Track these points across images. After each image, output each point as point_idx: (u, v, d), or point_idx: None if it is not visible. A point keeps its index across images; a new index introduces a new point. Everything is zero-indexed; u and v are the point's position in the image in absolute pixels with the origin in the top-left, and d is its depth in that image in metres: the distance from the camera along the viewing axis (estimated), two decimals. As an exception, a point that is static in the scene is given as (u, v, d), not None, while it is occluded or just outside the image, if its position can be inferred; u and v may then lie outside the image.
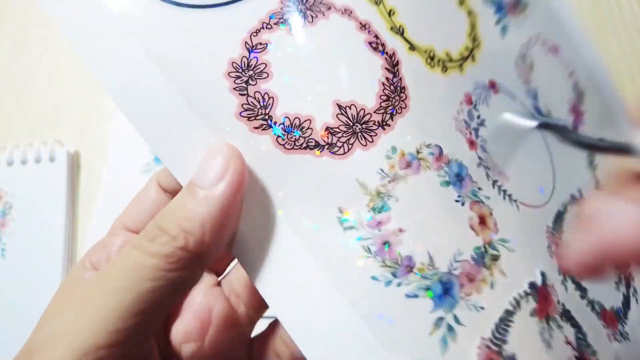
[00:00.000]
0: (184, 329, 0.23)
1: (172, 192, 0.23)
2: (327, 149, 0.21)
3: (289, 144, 0.20)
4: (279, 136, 0.20)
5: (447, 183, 0.23)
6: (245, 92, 0.20)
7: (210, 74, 0.21)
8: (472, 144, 0.24)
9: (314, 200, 0.21)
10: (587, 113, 0.32)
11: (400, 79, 0.22)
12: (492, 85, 0.26)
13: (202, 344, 0.23)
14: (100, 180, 0.47)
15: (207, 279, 0.25)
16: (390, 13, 0.23)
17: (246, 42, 0.21)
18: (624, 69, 0.45)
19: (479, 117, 0.24)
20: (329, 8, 0.21)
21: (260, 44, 0.21)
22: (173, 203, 0.19)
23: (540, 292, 0.23)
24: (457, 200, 0.23)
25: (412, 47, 0.23)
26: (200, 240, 0.18)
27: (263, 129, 0.20)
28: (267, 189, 0.21)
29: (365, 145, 0.21)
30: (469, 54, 0.25)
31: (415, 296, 0.20)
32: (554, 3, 0.34)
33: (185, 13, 0.21)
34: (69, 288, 0.21)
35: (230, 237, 0.20)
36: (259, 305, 0.25)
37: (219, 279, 0.26)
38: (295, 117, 0.20)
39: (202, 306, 0.24)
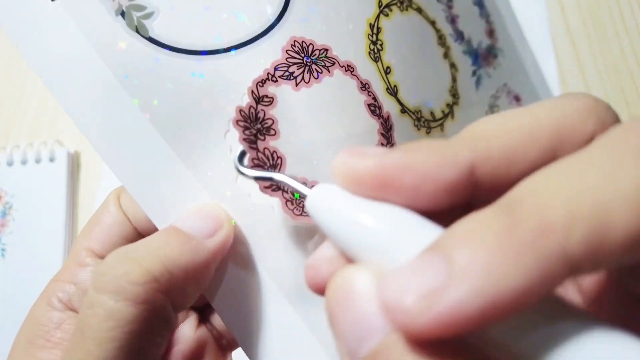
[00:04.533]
0: None
1: (134, 217, 0.21)
2: None
3: (297, 209, 0.19)
4: (287, 200, 0.19)
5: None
6: (255, 145, 0.19)
7: (208, 122, 0.19)
8: None
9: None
10: None
11: (392, 145, 0.21)
12: None
13: None
14: (100, 180, 0.47)
15: (192, 319, 0.24)
16: (387, 71, 0.22)
17: (253, 92, 0.19)
18: (624, 68, 0.45)
19: None
20: (333, 64, 0.20)
21: (267, 96, 0.19)
22: (154, 242, 0.18)
23: None
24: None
25: (403, 110, 0.22)
26: (181, 286, 0.18)
27: (273, 190, 0.19)
28: (266, 252, 0.20)
29: None
30: (449, 111, 0.24)
31: None
32: (523, 55, 0.34)
33: (180, 59, 0.19)
34: (35, 331, 0.20)
35: (209, 290, 0.19)
36: None
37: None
38: (303, 182, 0.19)
39: (190, 345, 0.23)
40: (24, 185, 0.47)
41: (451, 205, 0.13)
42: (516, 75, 0.32)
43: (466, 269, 0.10)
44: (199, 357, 0.23)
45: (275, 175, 0.17)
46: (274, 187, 0.19)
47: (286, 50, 0.20)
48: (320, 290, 0.13)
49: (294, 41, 0.20)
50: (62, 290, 0.20)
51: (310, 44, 0.20)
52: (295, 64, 0.20)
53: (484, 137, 0.13)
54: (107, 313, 0.16)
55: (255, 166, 0.19)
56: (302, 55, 0.20)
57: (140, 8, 0.19)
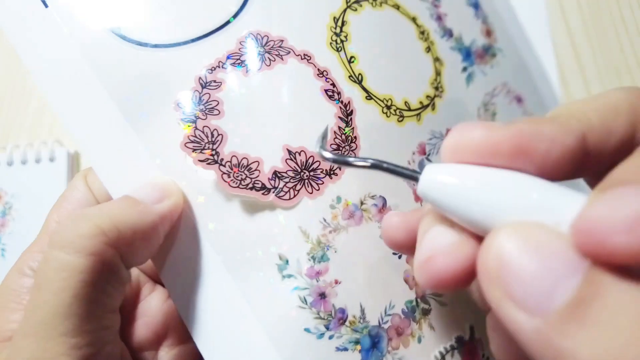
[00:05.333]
0: (138, 339, 0.23)
1: (98, 194, 0.23)
2: (273, 192, 0.21)
3: (234, 182, 0.20)
4: (224, 173, 0.20)
5: None
6: (193, 125, 0.21)
7: (160, 105, 0.21)
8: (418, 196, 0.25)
9: (254, 242, 0.21)
10: None
11: (353, 128, 0.22)
12: None
13: (156, 354, 0.24)
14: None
15: (160, 292, 0.25)
16: (350, 60, 0.23)
17: (200, 78, 0.21)
18: (624, 68, 0.45)
19: None
20: (289, 52, 0.22)
21: (215, 81, 0.21)
22: (107, 205, 0.20)
23: (466, 347, 0.23)
24: (394, 253, 0.22)
25: (369, 96, 0.23)
26: (129, 242, 0.19)
27: (208, 163, 0.20)
28: (204, 221, 0.21)
29: (312, 193, 0.21)
30: (430, 103, 0.25)
31: (345, 349, 0.20)
32: (525, 56, 0.35)
33: (143, 51, 0.21)
34: (7, 297, 0.21)
35: (157, 257, 0.21)
36: None
37: None
38: (244, 157, 0.21)
39: (156, 318, 0.24)
40: (24, 185, 0.47)
41: (562, 177, 0.14)
42: (518, 76, 0.33)
43: None
44: (164, 329, 0.24)
45: (367, 162, 0.17)
46: (209, 160, 0.21)
47: (240, 42, 0.21)
48: (456, 277, 0.13)
49: (249, 33, 0.22)
50: (32, 259, 0.22)
51: (265, 35, 0.22)
52: (248, 52, 0.21)
53: (582, 112, 0.14)
54: (61, 265, 0.18)
55: (190, 142, 0.21)
56: (256, 45, 0.22)
57: None
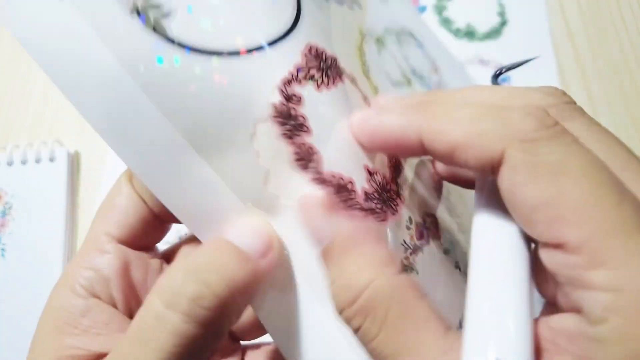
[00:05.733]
0: None
1: (149, 198, 0.21)
2: (370, 212, 0.20)
3: (339, 203, 0.19)
4: (329, 194, 0.19)
5: (447, 250, 0.23)
6: (292, 140, 0.19)
7: (241, 126, 0.19)
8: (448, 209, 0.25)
9: None
10: None
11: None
12: None
13: None
14: (100, 180, 0.47)
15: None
16: (375, 89, 0.23)
17: (282, 90, 0.19)
18: (624, 69, 0.45)
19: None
20: (342, 73, 0.21)
21: (295, 95, 0.19)
22: (217, 260, 0.18)
23: None
24: (456, 267, 0.23)
25: None
26: (241, 308, 0.18)
27: (316, 183, 0.19)
28: (297, 254, 0.20)
29: (394, 215, 0.20)
30: None
31: None
32: (464, 78, 0.37)
33: (201, 60, 0.18)
34: (61, 317, 0.20)
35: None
36: None
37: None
38: (340, 177, 0.19)
39: None
40: (24, 185, 0.47)
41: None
42: None
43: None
44: None
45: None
46: (317, 180, 0.19)
47: (304, 54, 0.20)
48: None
49: (310, 46, 0.20)
50: (82, 276, 0.20)
51: (322, 51, 0.20)
52: (314, 67, 0.20)
53: (457, 120, 0.17)
54: (175, 330, 0.17)
55: (297, 160, 0.19)
56: (319, 60, 0.20)
57: (157, 6, 0.18)
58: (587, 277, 0.13)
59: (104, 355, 0.19)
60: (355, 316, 0.16)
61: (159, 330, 0.17)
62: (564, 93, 0.18)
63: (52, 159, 0.47)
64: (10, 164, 0.47)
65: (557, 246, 0.14)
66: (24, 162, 0.47)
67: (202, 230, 0.19)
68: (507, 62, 0.47)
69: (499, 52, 0.48)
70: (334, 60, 0.21)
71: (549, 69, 0.46)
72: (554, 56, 0.46)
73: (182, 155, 0.19)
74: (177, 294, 0.17)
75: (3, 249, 0.45)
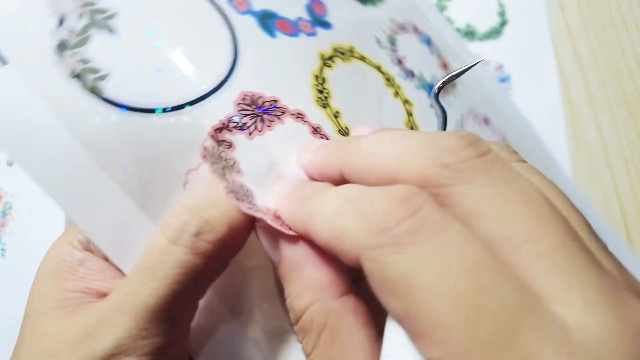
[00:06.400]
0: None
1: None
2: None
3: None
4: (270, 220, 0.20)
5: None
6: (225, 177, 0.20)
7: (174, 176, 0.21)
8: None
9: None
10: None
11: None
12: None
13: None
14: (100, 180, 0.47)
15: None
16: (336, 115, 0.23)
17: (212, 135, 0.21)
18: (624, 69, 0.45)
19: None
20: (284, 112, 0.22)
21: (225, 141, 0.21)
22: (218, 198, 0.20)
23: None
24: None
25: None
26: (239, 242, 0.20)
27: (252, 212, 0.20)
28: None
29: None
30: None
31: None
32: (479, 76, 0.36)
33: (136, 118, 0.20)
34: (59, 265, 0.22)
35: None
36: None
37: None
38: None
39: None
40: (24, 185, 0.47)
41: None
42: (480, 98, 0.34)
43: None
44: None
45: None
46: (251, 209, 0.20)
47: (238, 104, 0.21)
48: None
49: (244, 95, 0.21)
50: (80, 233, 0.23)
51: (259, 96, 0.22)
52: (247, 115, 0.21)
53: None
54: (180, 261, 0.19)
55: (230, 192, 0.20)
56: (253, 107, 0.21)
57: (95, 71, 0.21)
58: None
59: (105, 294, 0.21)
60: (298, 332, 0.18)
61: (165, 262, 0.19)
62: (475, 142, 0.15)
63: (52, 159, 0.47)
64: (10, 164, 0.47)
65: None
66: (24, 162, 0.47)
67: (123, 261, 0.21)
68: (507, 62, 0.48)
69: (499, 52, 0.48)
70: (274, 102, 0.22)
71: (549, 69, 0.46)
72: (554, 56, 0.46)
73: (125, 209, 0.21)
74: (180, 230, 0.19)
75: (3, 249, 0.45)
